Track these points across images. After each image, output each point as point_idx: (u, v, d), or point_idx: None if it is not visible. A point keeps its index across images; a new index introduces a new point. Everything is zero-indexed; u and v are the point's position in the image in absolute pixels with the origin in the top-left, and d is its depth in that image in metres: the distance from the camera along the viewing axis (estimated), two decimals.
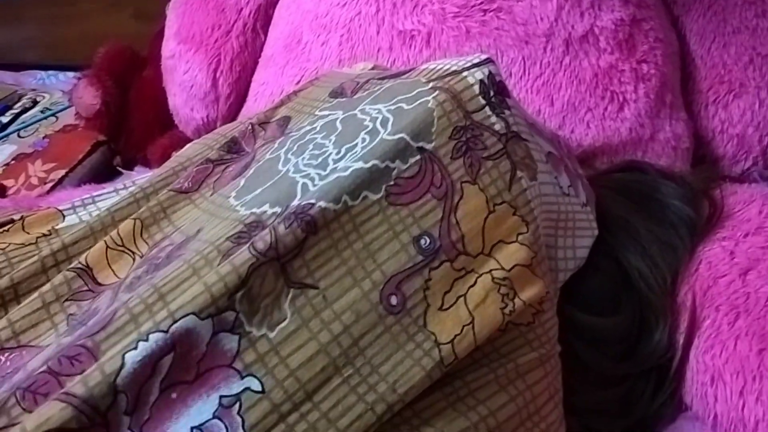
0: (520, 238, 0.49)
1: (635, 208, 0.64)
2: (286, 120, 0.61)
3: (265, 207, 0.47)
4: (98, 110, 1.00)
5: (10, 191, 0.95)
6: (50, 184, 0.97)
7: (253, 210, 0.47)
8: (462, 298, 0.46)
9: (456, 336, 0.44)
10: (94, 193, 0.61)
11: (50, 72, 1.29)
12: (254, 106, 0.84)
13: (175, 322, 0.40)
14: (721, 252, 0.60)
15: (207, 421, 0.39)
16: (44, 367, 0.40)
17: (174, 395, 0.39)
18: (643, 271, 0.60)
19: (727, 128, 0.80)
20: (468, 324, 0.45)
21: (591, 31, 0.74)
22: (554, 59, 0.74)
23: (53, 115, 1.11)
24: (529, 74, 0.74)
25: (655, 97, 0.76)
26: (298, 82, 0.80)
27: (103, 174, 1.01)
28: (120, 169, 1.02)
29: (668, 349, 0.58)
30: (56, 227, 0.57)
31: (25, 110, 1.13)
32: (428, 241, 0.46)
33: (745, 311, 0.56)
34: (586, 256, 0.57)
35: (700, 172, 0.74)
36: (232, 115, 0.90)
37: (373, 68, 0.71)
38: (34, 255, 0.53)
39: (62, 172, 0.99)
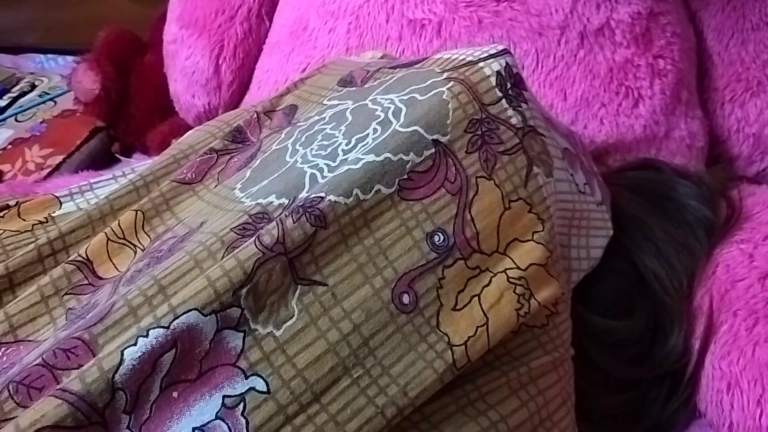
0: (535, 236, 0.48)
1: (651, 208, 0.62)
2: (293, 109, 0.59)
3: (272, 198, 0.45)
4: (97, 95, 0.97)
5: (7, 176, 0.93)
6: (47, 170, 0.95)
7: (259, 201, 0.46)
8: (476, 298, 0.44)
9: (470, 338, 0.43)
10: (92, 180, 0.59)
11: (49, 55, 1.26)
12: (258, 93, 0.82)
13: (177, 317, 0.38)
14: (739, 255, 0.59)
15: (209, 422, 0.37)
16: (39, 360, 0.38)
17: (175, 394, 0.37)
18: (658, 273, 0.58)
19: (743, 127, 0.78)
20: (482, 325, 0.43)
21: (607, 24, 0.72)
22: (568, 52, 0.72)
23: (51, 99, 1.09)
24: (542, 67, 0.72)
25: (671, 93, 0.74)
26: (304, 70, 0.78)
27: (102, 161, 0.99)
28: (118, 156, 1.00)
29: (683, 354, 0.56)
30: (53, 214, 0.55)
31: (23, 94, 1.12)
32: (442, 237, 0.44)
33: (765, 317, 0.54)
34: (600, 257, 0.56)
35: (717, 172, 0.73)
36: (234, 102, 0.88)
37: (382, 57, 0.69)
38: (30, 243, 0.51)
39: (60, 158, 0.97)
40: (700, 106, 0.79)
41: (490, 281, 0.45)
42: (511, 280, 0.46)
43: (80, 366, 0.37)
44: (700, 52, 0.80)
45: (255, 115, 0.59)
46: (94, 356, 0.38)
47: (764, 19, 0.78)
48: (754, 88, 0.78)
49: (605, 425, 0.55)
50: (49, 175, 0.94)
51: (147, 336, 0.37)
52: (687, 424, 0.56)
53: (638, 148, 0.73)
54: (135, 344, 0.37)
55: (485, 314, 0.44)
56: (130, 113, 1.00)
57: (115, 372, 0.36)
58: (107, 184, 0.59)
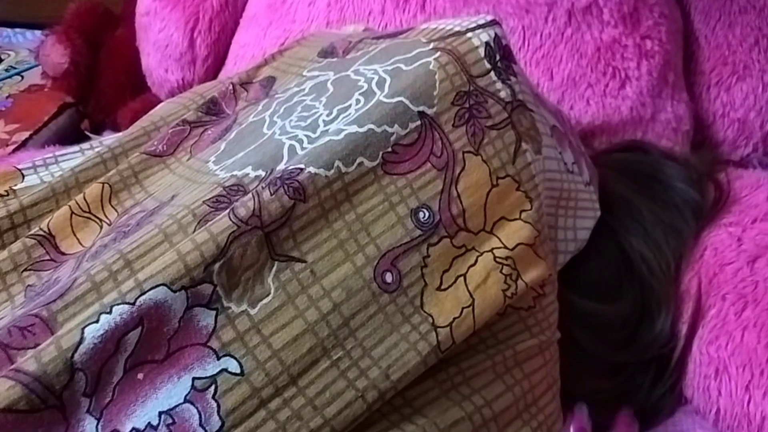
0: (523, 215, 0.46)
1: (638, 190, 0.61)
2: (271, 80, 0.57)
3: (247, 170, 0.43)
4: (66, 70, 0.95)
5: None
6: (13, 147, 0.92)
7: (234, 173, 0.43)
8: (462, 278, 0.42)
9: (455, 319, 0.41)
10: (57, 153, 0.57)
11: (17, 29, 1.23)
12: (234, 68, 0.79)
13: (143, 293, 0.35)
14: (727, 238, 0.57)
15: (177, 406, 0.35)
16: None
17: (140, 376, 0.35)
18: (645, 256, 0.57)
19: (728, 112, 0.77)
20: (467, 306, 0.42)
21: (595, 2, 0.71)
22: (555, 30, 0.70)
23: (18, 74, 1.07)
24: (528, 45, 0.71)
25: (658, 75, 0.72)
26: (282, 44, 0.76)
27: (70, 138, 0.95)
28: (88, 133, 0.97)
29: (670, 339, 0.55)
30: (14, 187, 0.52)
31: None
32: (427, 214, 0.42)
33: (754, 301, 0.53)
34: (587, 238, 0.54)
35: (703, 155, 0.71)
36: (209, 78, 0.84)
37: (364, 31, 0.66)
38: None
39: (26, 134, 0.94)
40: (686, 89, 0.77)
41: (476, 261, 0.43)
42: (498, 260, 0.44)
43: (37, 345, 0.34)
44: (687, 34, 0.79)
45: (230, 87, 0.57)
46: (53, 335, 0.35)
47: (751, 3, 0.77)
48: (740, 72, 0.77)
49: (590, 410, 0.53)
50: (15, 151, 0.90)
51: (110, 313, 0.34)
52: (672, 411, 0.55)
53: (624, 130, 0.72)
54: (97, 321, 0.34)
55: (471, 295, 0.42)
56: (100, 89, 0.97)
57: (75, 351, 0.33)
58: (73, 156, 0.56)
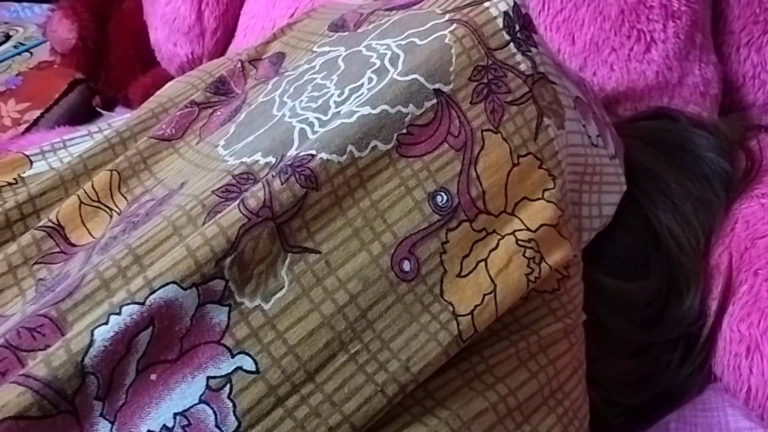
0: (546, 194, 0.44)
1: (666, 160, 0.58)
2: (280, 57, 0.55)
3: (257, 156, 0.41)
4: (74, 45, 0.93)
5: None
6: (24, 126, 0.91)
7: (243, 159, 0.42)
8: (483, 263, 0.41)
9: (476, 306, 0.39)
10: (66, 137, 0.55)
11: (25, 4, 1.20)
12: (243, 41, 0.78)
13: (153, 292, 0.34)
14: (759, 210, 0.55)
15: (192, 406, 0.34)
16: (1, 341, 0.34)
17: (154, 376, 0.34)
18: (674, 230, 0.55)
19: (759, 73, 0.74)
20: (489, 292, 0.40)
21: None
22: None
23: (27, 50, 1.05)
24: (548, 9, 0.68)
25: (685, 37, 0.69)
26: (292, 15, 0.73)
27: (82, 115, 0.95)
28: (100, 109, 0.96)
29: (699, 316, 0.53)
30: (23, 175, 0.51)
31: None
32: (445, 197, 0.41)
33: None
34: (612, 214, 0.52)
35: (733, 122, 0.68)
36: (219, 51, 0.83)
37: (376, 1, 0.64)
38: None
39: (37, 112, 0.93)
40: (714, 50, 0.74)
41: (497, 244, 0.41)
42: (520, 242, 0.42)
43: (47, 347, 0.34)
44: None
45: (239, 65, 0.55)
46: (63, 335, 0.34)
47: None
48: None
49: (615, 391, 0.52)
50: (27, 130, 0.90)
51: (119, 314, 0.33)
52: (701, 389, 0.53)
53: (650, 95, 0.69)
54: (106, 323, 0.33)
55: (493, 280, 0.40)
56: (109, 63, 0.96)
57: (85, 354, 0.33)
58: (82, 141, 0.55)
